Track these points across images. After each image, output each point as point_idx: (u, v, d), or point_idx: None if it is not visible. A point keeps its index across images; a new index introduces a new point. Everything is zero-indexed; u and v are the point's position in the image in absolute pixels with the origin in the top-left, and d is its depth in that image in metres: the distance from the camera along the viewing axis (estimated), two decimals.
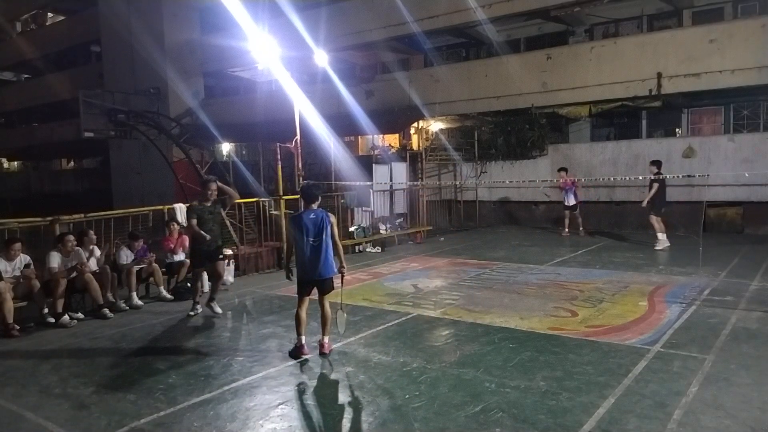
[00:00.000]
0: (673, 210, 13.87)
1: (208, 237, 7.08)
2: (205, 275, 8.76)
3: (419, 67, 19.99)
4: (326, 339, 5.60)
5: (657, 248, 11.26)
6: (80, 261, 7.38)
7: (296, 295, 5.64)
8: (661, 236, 11.45)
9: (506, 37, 18.05)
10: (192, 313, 7.26)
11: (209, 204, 7.29)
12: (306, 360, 5.46)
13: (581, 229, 13.53)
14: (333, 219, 5.58)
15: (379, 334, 6.21)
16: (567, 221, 13.81)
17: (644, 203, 11.51)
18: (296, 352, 5.52)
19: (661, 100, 14.25)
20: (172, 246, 8.71)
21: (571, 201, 13.60)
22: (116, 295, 7.85)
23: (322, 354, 5.53)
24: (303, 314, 5.58)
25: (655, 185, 11.42)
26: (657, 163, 11.63)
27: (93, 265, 7.66)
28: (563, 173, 13.59)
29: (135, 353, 5.88)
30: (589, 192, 14.89)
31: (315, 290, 5.55)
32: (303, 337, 5.57)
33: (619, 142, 15.31)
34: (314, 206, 5.54)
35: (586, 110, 15.39)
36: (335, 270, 5.54)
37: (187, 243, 8.97)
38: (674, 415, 4.00)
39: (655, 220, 11.51)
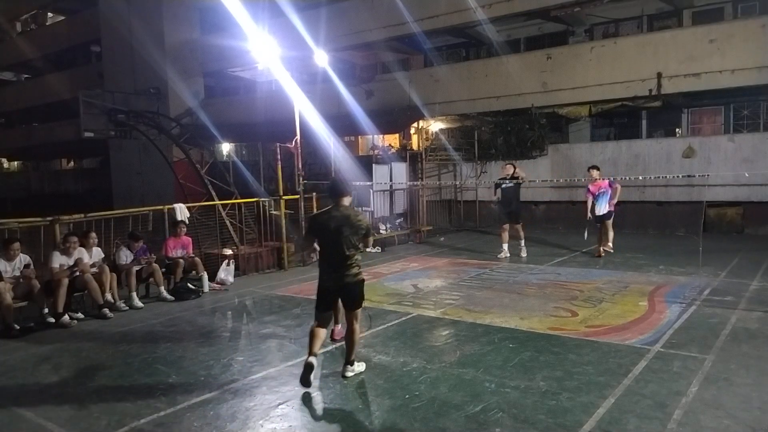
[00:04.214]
0: (672, 210, 13.94)
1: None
2: (205, 277, 8.78)
3: (419, 67, 19.98)
4: (338, 326, 5.91)
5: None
6: (81, 261, 7.38)
7: (296, 295, 5.67)
8: (505, 246, 11.00)
9: (506, 37, 18.05)
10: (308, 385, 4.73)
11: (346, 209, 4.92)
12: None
13: (610, 243, 10.70)
14: None
15: (379, 334, 6.21)
16: (601, 235, 10.78)
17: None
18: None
19: (661, 100, 14.25)
20: (171, 248, 8.72)
21: (605, 208, 10.57)
22: (116, 295, 7.83)
23: (332, 340, 5.84)
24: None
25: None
26: (514, 164, 11.05)
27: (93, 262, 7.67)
28: (595, 172, 10.70)
29: (135, 353, 5.88)
30: None
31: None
32: (338, 325, 5.88)
33: (619, 142, 15.31)
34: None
35: (586, 110, 15.38)
36: None
37: (190, 246, 8.97)
38: (674, 415, 4.00)
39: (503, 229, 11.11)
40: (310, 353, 4.81)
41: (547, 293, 7.86)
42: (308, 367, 4.69)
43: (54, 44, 29.31)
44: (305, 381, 4.67)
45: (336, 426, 4.10)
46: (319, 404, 4.49)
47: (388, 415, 4.19)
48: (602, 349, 5.43)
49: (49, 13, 31.46)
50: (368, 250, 4.88)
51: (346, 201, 4.96)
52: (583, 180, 14.33)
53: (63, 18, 30.31)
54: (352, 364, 4.96)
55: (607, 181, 10.77)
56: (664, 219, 14.01)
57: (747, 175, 12.19)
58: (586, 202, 10.86)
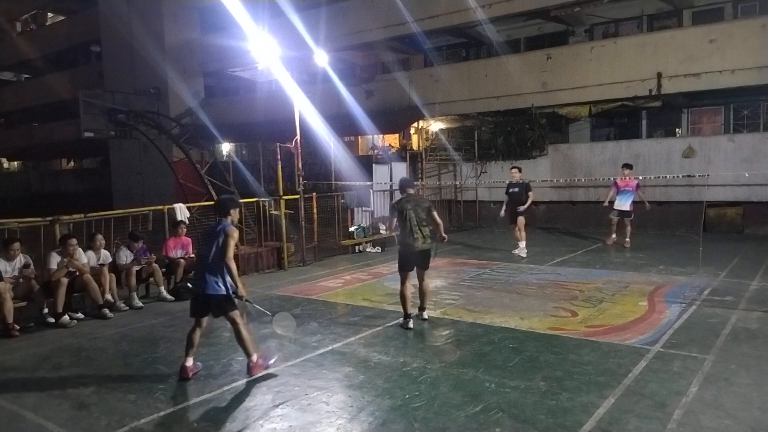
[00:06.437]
0: (672, 210, 13.94)
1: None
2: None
3: (419, 67, 19.98)
4: (189, 362, 5.02)
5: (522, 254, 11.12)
6: (80, 262, 7.37)
7: (296, 295, 5.64)
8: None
9: (506, 37, 18.04)
10: (410, 326, 6.34)
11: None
12: (306, 361, 5.46)
13: (628, 239, 11.57)
14: (233, 233, 5.04)
15: (379, 334, 6.21)
16: (614, 227, 11.75)
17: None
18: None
19: (661, 100, 14.25)
20: (172, 248, 8.70)
21: (627, 206, 11.51)
22: (115, 296, 7.82)
23: (182, 378, 4.98)
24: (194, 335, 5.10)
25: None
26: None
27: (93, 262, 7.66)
28: (627, 170, 11.63)
29: (135, 353, 5.88)
30: (589, 192, 14.90)
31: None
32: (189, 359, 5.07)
33: (619, 142, 15.32)
34: (225, 219, 5.13)
35: (586, 110, 15.38)
36: (222, 290, 5.09)
37: (190, 246, 8.95)
38: (674, 415, 4.00)
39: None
40: (406, 314, 6.33)
41: (547, 293, 7.86)
42: (407, 326, 6.28)
43: (54, 44, 29.31)
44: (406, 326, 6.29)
45: (336, 426, 4.10)
46: (318, 404, 4.48)
47: (388, 415, 4.19)
48: (602, 349, 5.43)
49: (49, 13, 31.46)
50: (439, 222, 6.80)
51: (412, 190, 6.78)
52: (583, 180, 14.42)
53: (63, 18, 30.31)
54: (424, 310, 6.56)
55: (635, 182, 11.64)
56: (664, 219, 14.01)
57: (747, 175, 12.20)
58: (603, 200, 11.97)
